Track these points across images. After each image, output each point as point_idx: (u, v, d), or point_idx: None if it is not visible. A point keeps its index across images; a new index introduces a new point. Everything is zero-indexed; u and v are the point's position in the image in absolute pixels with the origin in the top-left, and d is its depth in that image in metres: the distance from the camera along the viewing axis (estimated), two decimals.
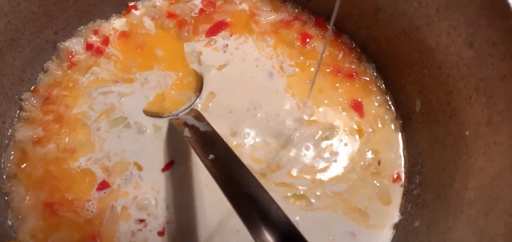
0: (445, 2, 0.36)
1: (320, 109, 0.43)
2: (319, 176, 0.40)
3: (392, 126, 0.44)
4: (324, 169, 0.41)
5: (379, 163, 0.42)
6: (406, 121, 0.44)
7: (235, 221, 0.38)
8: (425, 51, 0.39)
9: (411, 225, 0.39)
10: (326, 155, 0.41)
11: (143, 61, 0.44)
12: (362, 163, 0.41)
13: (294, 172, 0.40)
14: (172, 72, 0.44)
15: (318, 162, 0.41)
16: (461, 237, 0.31)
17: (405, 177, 0.42)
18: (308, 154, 0.41)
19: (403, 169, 0.42)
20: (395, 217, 0.40)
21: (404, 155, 0.43)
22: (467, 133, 0.35)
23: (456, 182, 0.35)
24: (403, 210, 0.41)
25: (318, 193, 0.40)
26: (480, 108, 0.33)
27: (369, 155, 0.42)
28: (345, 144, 0.42)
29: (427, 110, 0.41)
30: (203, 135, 0.37)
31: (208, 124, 0.37)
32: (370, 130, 0.43)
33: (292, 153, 0.41)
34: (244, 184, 0.31)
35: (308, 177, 0.40)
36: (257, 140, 0.41)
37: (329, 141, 0.42)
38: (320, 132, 0.42)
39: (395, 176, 0.42)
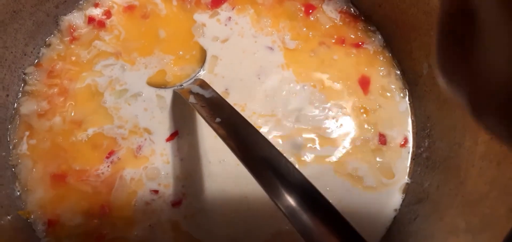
0: None
1: (323, 83, 0.44)
2: (320, 153, 0.41)
3: (400, 95, 0.44)
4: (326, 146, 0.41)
5: (384, 137, 0.42)
6: (413, 86, 0.44)
7: (243, 189, 0.38)
8: (431, 12, 0.40)
9: (421, 187, 0.39)
10: (328, 131, 0.42)
11: (146, 44, 0.44)
12: (363, 137, 0.42)
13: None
14: (171, 55, 0.44)
15: (320, 136, 0.41)
16: (473, 189, 0.32)
17: (413, 142, 0.43)
18: (308, 128, 0.42)
19: (411, 135, 0.43)
20: (404, 181, 0.41)
21: (412, 120, 0.43)
22: None
23: (466, 139, 0.36)
24: (412, 174, 0.41)
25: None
26: None
27: (374, 130, 0.42)
28: (348, 120, 0.43)
29: (434, 72, 0.41)
30: (208, 101, 0.37)
31: (214, 90, 0.38)
32: (377, 105, 0.43)
33: (290, 122, 0.42)
34: (256, 146, 0.31)
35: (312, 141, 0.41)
36: (254, 106, 0.42)
37: (332, 118, 0.42)
38: (322, 107, 0.43)
39: (403, 142, 0.42)
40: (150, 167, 0.38)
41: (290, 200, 0.28)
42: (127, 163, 0.38)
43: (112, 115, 0.40)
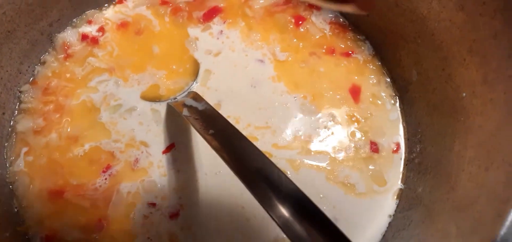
0: None
1: (314, 93, 0.45)
2: (304, 160, 0.42)
3: (390, 101, 0.45)
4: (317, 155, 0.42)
5: (376, 145, 0.43)
6: (404, 93, 0.45)
7: (239, 200, 0.39)
8: (418, 21, 0.41)
9: (414, 192, 0.40)
10: (320, 141, 0.43)
11: (139, 60, 0.45)
12: (354, 146, 0.43)
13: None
14: (165, 70, 0.45)
15: (311, 146, 0.42)
16: (464, 193, 0.33)
17: (405, 148, 0.43)
18: (295, 138, 0.43)
19: (403, 141, 0.44)
20: (397, 187, 0.42)
21: (403, 127, 0.44)
22: (464, 95, 0.36)
23: (456, 144, 0.37)
24: (405, 180, 0.42)
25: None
26: (475, 69, 0.35)
27: (365, 138, 0.43)
28: (340, 129, 0.43)
29: (423, 79, 0.42)
30: (202, 113, 0.38)
31: (207, 103, 0.39)
32: (368, 113, 0.44)
33: (284, 133, 0.43)
34: (249, 158, 0.32)
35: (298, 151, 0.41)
36: (249, 118, 0.42)
37: (324, 127, 0.43)
38: (314, 117, 0.44)
39: (395, 148, 0.43)
40: (147, 180, 0.39)
41: (283, 211, 0.28)
42: (124, 176, 0.39)
43: (109, 129, 0.41)
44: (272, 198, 0.29)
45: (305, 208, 0.28)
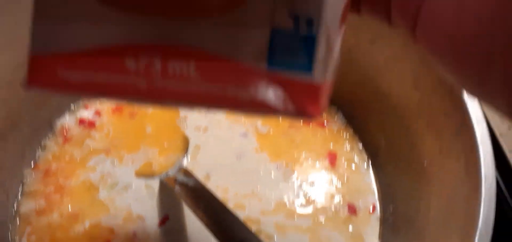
0: (392, 54, 0.43)
1: (295, 161, 0.49)
2: (289, 223, 0.45)
3: (364, 165, 0.50)
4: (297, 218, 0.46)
5: (354, 207, 0.47)
6: (375, 158, 0.50)
7: None
8: (381, 96, 0.46)
9: None
10: (302, 205, 0.47)
11: (132, 140, 0.49)
12: (333, 209, 0.47)
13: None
14: (157, 148, 0.49)
15: (291, 211, 0.46)
16: None
17: (380, 208, 0.48)
18: (280, 204, 0.47)
19: (378, 202, 0.48)
20: None
21: (377, 189, 0.49)
22: (425, 163, 0.41)
23: (422, 206, 0.41)
24: (382, 238, 0.46)
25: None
26: (432, 141, 0.40)
27: (343, 201, 0.47)
28: (320, 193, 0.48)
29: (390, 146, 0.47)
30: (192, 189, 0.42)
31: (196, 179, 0.43)
32: (345, 177, 0.49)
33: (269, 200, 0.47)
34: (233, 230, 0.36)
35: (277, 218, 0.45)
36: (236, 188, 0.47)
37: (305, 192, 0.47)
38: (296, 183, 0.48)
39: (371, 209, 0.48)
40: None
41: None
42: None
43: (108, 206, 0.44)
44: None
45: None
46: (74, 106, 0.50)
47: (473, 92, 0.16)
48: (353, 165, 0.50)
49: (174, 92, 0.15)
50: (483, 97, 0.16)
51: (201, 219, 0.38)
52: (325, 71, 0.15)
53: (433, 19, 0.16)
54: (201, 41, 0.14)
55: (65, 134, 0.49)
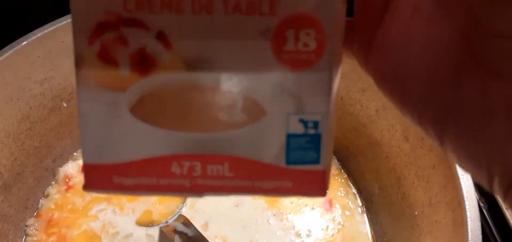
0: (382, 105, 0.46)
1: (292, 208, 0.51)
2: None
3: (359, 211, 0.52)
4: None
5: None
6: (369, 204, 0.52)
7: None
8: (373, 144, 0.48)
9: None
10: None
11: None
12: None
13: None
14: (156, 197, 0.51)
15: None
16: None
17: None
18: None
19: None
20: None
21: (372, 235, 0.50)
22: (416, 213, 0.43)
23: None
24: None
25: None
26: (422, 192, 0.42)
27: None
28: (317, 239, 0.49)
29: (384, 193, 0.49)
30: (192, 239, 0.43)
31: (195, 229, 0.44)
32: (340, 223, 0.50)
33: None
34: None
35: None
36: (235, 237, 0.48)
37: (300, 239, 0.49)
38: (293, 230, 0.49)
39: None
40: None
41: None
42: None
43: None
44: None
45: None
46: (77, 153, 0.52)
47: (413, 121, 0.18)
48: (348, 211, 0.51)
49: (212, 187, 0.18)
50: (421, 126, 0.17)
51: None
52: (329, 157, 0.18)
53: (381, 54, 0.18)
54: (232, 150, 0.17)
55: (67, 182, 0.50)
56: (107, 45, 0.17)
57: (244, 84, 0.17)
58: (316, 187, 0.18)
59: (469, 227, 0.34)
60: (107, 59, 0.17)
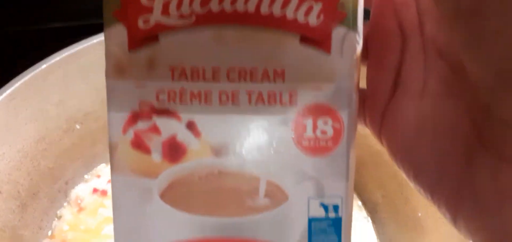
0: None
1: None
2: None
3: (365, 222, 0.55)
4: None
5: None
6: (374, 214, 0.55)
7: None
8: (375, 154, 0.52)
9: None
10: None
11: None
12: None
13: None
14: None
15: None
16: None
17: None
18: None
19: None
20: None
21: None
22: (420, 214, 0.46)
23: None
24: None
25: None
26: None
27: None
28: None
29: (388, 201, 0.52)
30: None
31: None
32: None
33: None
34: None
35: None
36: None
37: None
38: None
39: None
40: None
41: None
42: None
43: None
44: None
45: None
46: (88, 176, 0.55)
47: (426, 197, 0.19)
48: (353, 222, 0.54)
49: None
50: (434, 202, 0.18)
51: None
52: (348, 239, 0.20)
53: (393, 130, 0.19)
54: (257, 234, 0.19)
55: (79, 203, 0.53)
56: (140, 133, 0.18)
57: (267, 169, 0.19)
58: None
59: None
60: (140, 146, 0.18)
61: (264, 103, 0.18)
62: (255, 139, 0.18)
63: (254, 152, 0.18)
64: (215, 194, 0.19)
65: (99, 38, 0.48)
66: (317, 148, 0.18)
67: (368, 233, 0.54)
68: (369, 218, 0.55)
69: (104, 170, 0.56)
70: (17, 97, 0.44)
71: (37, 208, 0.49)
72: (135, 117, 0.18)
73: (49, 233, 0.50)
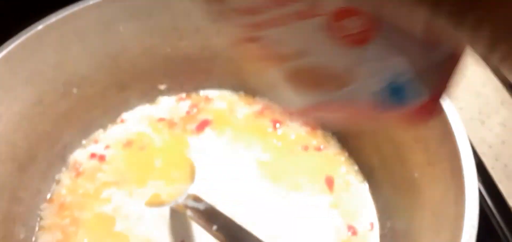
0: None
1: (295, 186, 0.55)
2: None
3: (361, 186, 0.56)
4: None
5: (353, 228, 0.52)
6: (370, 177, 0.56)
7: None
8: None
9: None
10: (305, 228, 0.51)
11: (141, 174, 0.54)
12: (335, 231, 0.51)
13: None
14: (165, 179, 0.54)
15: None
16: None
17: (379, 225, 0.53)
18: (284, 228, 0.52)
19: (376, 220, 0.54)
20: None
21: (375, 207, 0.54)
22: (416, 175, 0.47)
23: (417, 216, 0.47)
24: None
25: None
26: (421, 153, 0.46)
27: (344, 222, 0.52)
28: (321, 216, 0.52)
29: (384, 164, 0.53)
30: (204, 212, 0.47)
31: (206, 202, 0.47)
32: (343, 199, 0.54)
33: (274, 225, 0.51)
34: None
35: None
36: (242, 216, 0.51)
37: (307, 216, 0.52)
38: (298, 208, 0.53)
39: (370, 227, 0.53)
40: None
41: None
42: None
43: (128, 236, 0.48)
44: None
45: None
46: (85, 141, 0.55)
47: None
48: (350, 187, 0.56)
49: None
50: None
51: (217, 238, 0.42)
52: (426, 89, 0.22)
53: None
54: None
55: (77, 168, 0.53)
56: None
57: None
58: (422, 114, 0.22)
59: (465, 175, 0.39)
60: None
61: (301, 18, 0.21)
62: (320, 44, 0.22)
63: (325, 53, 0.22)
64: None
65: None
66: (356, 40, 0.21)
67: (364, 197, 0.55)
68: (366, 182, 0.56)
69: (101, 135, 0.57)
70: (13, 58, 0.44)
71: (35, 172, 0.49)
72: None
73: (48, 196, 0.51)
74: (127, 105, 0.59)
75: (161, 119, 0.59)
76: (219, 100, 0.62)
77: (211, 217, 0.45)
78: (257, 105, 0.62)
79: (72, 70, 0.50)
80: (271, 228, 0.51)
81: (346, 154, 0.58)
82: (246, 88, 0.63)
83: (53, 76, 0.48)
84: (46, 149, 0.50)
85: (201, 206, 0.47)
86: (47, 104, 0.49)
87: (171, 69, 0.59)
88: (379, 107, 0.22)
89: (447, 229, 0.40)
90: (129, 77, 0.57)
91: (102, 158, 0.54)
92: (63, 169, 0.53)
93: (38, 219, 0.49)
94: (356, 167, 0.57)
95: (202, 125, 0.59)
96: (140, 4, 0.53)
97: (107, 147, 0.55)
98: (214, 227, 0.43)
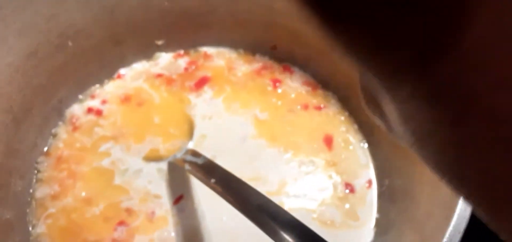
0: None
1: (294, 145, 0.55)
2: (292, 203, 0.51)
3: (360, 145, 0.56)
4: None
5: (351, 185, 0.53)
6: (370, 137, 0.56)
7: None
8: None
9: (387, 219, 0.50)
10: (303, 185, 0.52)
11: (139, 130, 0.54)
12: (332, 188, 0.52)
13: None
14: (163, 135, 0.54)
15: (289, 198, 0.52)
16: (424, 210, 0.43)
17: (377, 183, 0.54)
18: (282, 185, 0.52)
19: (374, 177, 0.54)
20: (374, 217, 0.51)
21: (373, 165, 0.55)
22: None
23: (416, 173, 0.47)
24: (379, 210, 0.52)
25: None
26: None
27: (341, 180, 0.53)
28: (319, 174, 0.53)
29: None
30: (202, 166, 0.47)
31: (205, 157, 0.48)
32: (342, 157, 0.55)
33: (272, 182, 0.52)
34: (250, 197, 0.41)
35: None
36: (241, 172, 0.51)
37: (305, 173, 0.53)
38: (296, 165, 0.53)
39: (368, 185, 0.53)
40: (162, 229, 0.46)
41: (286, 236, 0.37)
42: (141, 229, 0.46)
43: (123, 188, 0.48)
44: (274, 227, 0.38)
45: (302, 232, 0.37)
46: (82, 96, 0.55)
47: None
48: (350, 145, 0.56)
49: None
50: None
51: (216, 190, 0.42)
52: None
53: None
54: None
55: (74, 122, 0.53)
56: None
57: None
58: None
59: None
60: None
61: None
62: None
63: None
64: None
65: None
66: None
67: (363, 156, 0.55)
68: (365, 141, 0.56)
69: (98, 90, 0.56)
70: (5, 8, 0.43)
71: (31, 125, 0.49)
72: None
73: (45, 149, 0.51)
74: (124, 61, 0.58)
75: (159, 75, 0.58)
76: (218, 57, 0.61)
77: (210, 170, 0.46)
78: (256, 63, 0.61)
79: (67, 22, 0.49)
80: (268, 185, 0.51)
81: (347, 113, 0.58)
82: (246, 45, 0.62)
83: (47, 28, 0.47)
84: (42, 102, 0.50)
85: (199, 160, 0.47)
86: (41, 57, 0.48)
87: (169, 24, 0.58)
88: None
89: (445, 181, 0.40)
90: (125, 31, 0.56)
91: (99, 112, 0.54)
92: (60, 123, 0.53)
93: (35, 172, 0.49)
94: (356, 126, 0.57)
95: (201, 82, 0.58)
96: None
97: (104, 102, 0.55)
98: (213, 180, 0.43)
